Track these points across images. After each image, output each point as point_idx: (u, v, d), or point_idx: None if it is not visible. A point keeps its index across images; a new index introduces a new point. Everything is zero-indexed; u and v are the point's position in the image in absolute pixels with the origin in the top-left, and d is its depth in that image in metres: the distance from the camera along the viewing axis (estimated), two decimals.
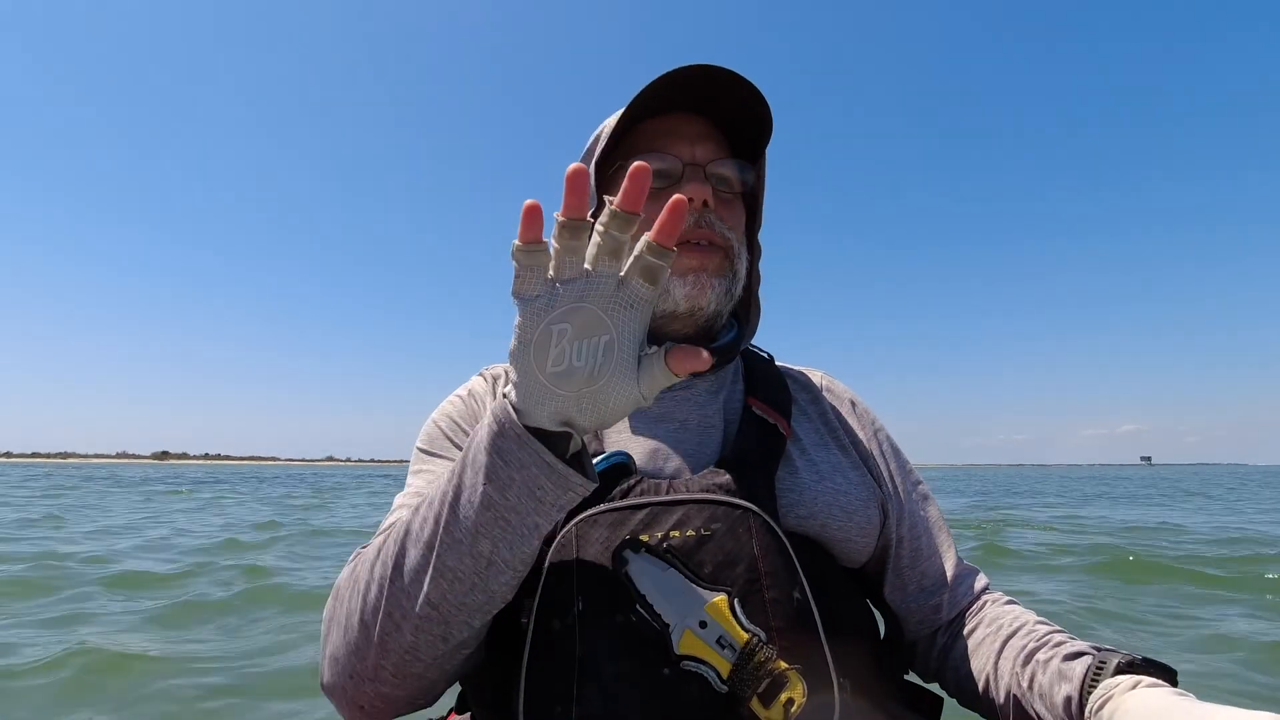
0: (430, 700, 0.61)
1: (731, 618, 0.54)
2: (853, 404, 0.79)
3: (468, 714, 0.65)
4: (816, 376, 0.81)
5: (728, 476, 0.61)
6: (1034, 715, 0.60)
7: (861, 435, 0.76)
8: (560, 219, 0.45)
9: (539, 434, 0.49)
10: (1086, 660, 0.57)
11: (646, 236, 0.46)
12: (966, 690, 0.69)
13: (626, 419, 0.68)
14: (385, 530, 0.61)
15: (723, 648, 0.53)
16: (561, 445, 0.50)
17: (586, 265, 0.46)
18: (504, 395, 0.51)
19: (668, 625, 0.54)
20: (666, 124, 0.71)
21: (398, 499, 0.68)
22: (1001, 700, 0.64)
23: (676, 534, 0.57)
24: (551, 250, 0.46)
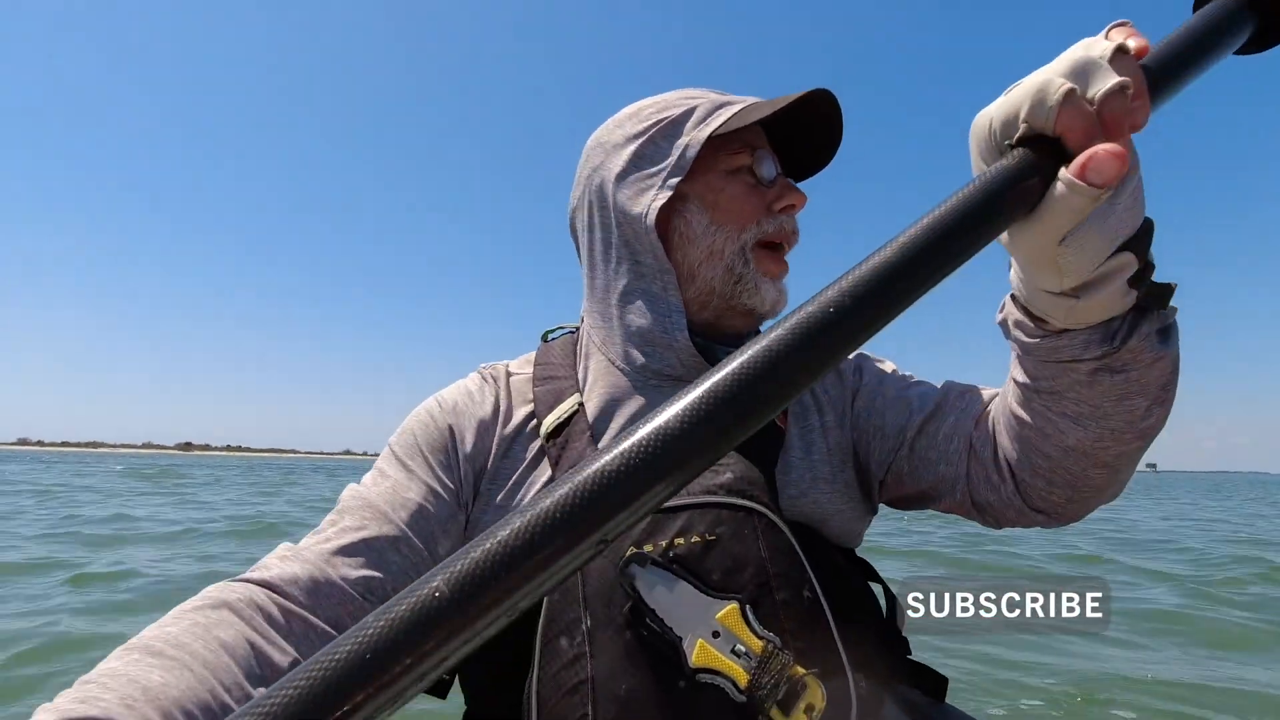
0: None
1: (744, 625, 0.54)
2: (839, 373, 0.74)
3: None
4: None
5: (729, 474, 0.60)
6: (1029, 405, 0.54)
7: (848, 401, 0.72)
8: None
9: None
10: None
11: None
12: (1011, 435, 0.59)
13: (619, 415, 0.66)
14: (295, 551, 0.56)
15: (738, 657, 0.53)
16: None
17: None
18: None
19: (680, 638, 0.54)
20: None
21: (347, 490, 0.63)
22: (1021, 413, 0.56)
23: (681, 541, 0.57)
24: None
